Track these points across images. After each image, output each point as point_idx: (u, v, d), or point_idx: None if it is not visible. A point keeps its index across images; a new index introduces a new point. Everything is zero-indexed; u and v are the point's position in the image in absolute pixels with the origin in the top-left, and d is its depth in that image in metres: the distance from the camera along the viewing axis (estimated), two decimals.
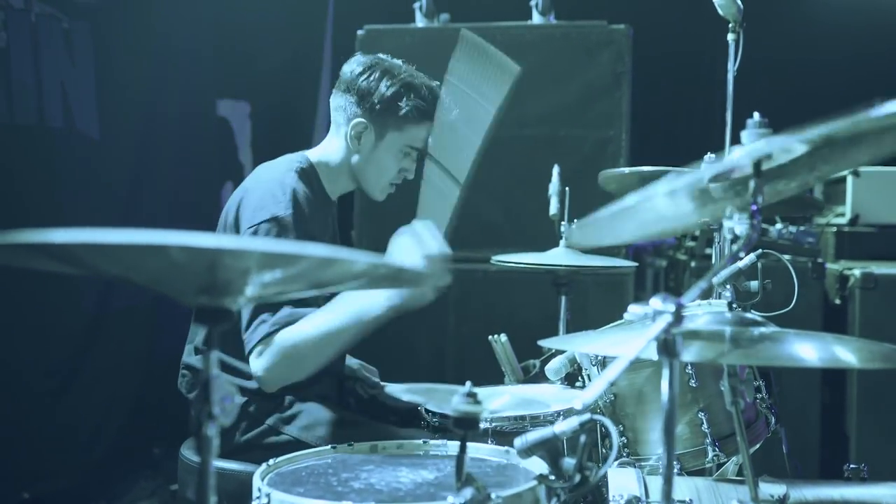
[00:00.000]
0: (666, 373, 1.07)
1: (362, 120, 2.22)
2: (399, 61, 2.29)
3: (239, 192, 2.18)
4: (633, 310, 1.09)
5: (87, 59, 3.44)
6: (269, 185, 2.13)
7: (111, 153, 3.56)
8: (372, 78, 2.22)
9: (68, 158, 3.38)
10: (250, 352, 1.95)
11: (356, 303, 1.92)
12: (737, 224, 1.14)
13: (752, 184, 1.08)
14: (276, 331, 1.93)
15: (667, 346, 1.06)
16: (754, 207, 1.07)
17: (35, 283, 3.15)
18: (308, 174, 2.23)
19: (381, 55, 2.30)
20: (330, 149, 2.30)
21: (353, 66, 2.26)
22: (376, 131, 2.23)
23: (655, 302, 1.05)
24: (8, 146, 3.14)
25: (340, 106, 2.26)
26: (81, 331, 3.45)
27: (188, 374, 2.23)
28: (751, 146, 1.08)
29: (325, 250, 0.99)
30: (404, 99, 2.21)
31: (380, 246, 2.06)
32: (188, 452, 2.19)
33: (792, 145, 1.04)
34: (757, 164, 1.09)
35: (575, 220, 2.54)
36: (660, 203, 1.22)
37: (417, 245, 1.86)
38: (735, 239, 1.15)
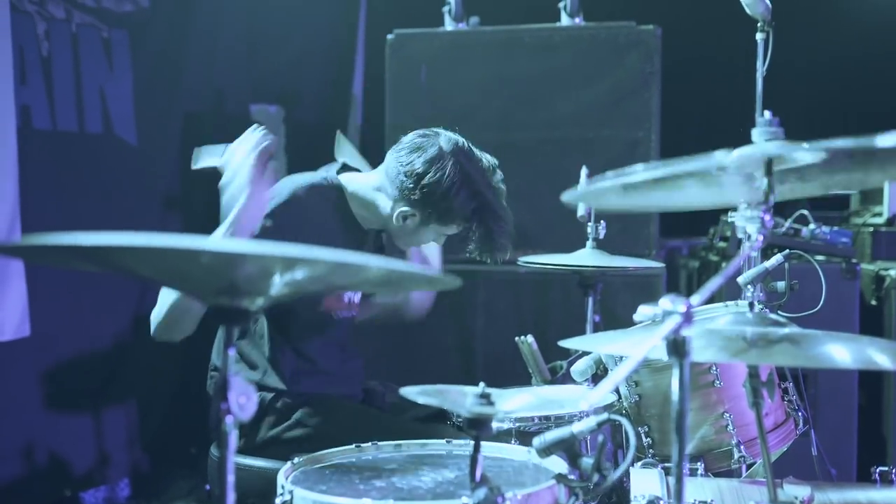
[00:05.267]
0: (676, 373, 1.08)
1: (415, 213, 2.19)
2: (477, 159, 2.20)
3: None
4: (643, 310, 1.10)
5: (125, 66, 3.52)
6: (275, 192, 2.15)
7: (148, 158, 3.63)
8: (450, 194, 2.14)
9: (107, 164, 3.45)
10: None
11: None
12: (748, 223, 1.14)
13: (763, 183, 1.08)
14: None
15: (676, 346, 1.07)
16: (765, 206, 1.07)
17: (77, 283, 3.24)
18: (329, 193, 2.22)
19: (457, 150, 2.17)
20: (371, 192, 2.25)
21: (428, 164, 2.14)
22: (422, 219, 2.20)
23: (665, 302, 1.06)
24: (50, 152, 3.23)
25: (397, 182, 2.17)
26: (121, 330, 3.53)
27: (216, 375, 2.27)
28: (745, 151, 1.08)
29: (330, 254, 1.01)
30: (471, 222, 2.20)
31: None
32: (217, 451, 2.23)
33: (794, 153, 1.04)
34: (768, 164, 1.09)
35: (602, 222, 2.56)
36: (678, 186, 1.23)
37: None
38: (747, 237, 1.15)
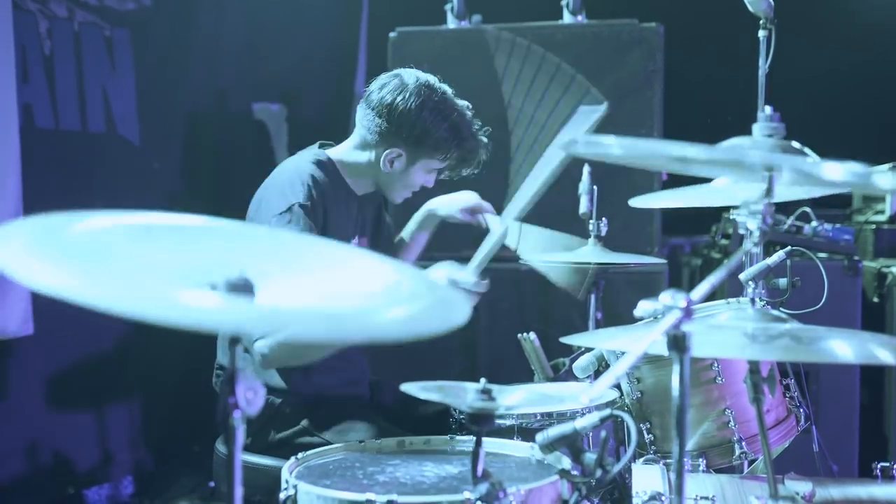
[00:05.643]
0: (676, 368, 1.09)
1: (400, 150, 2.25)
2: (439, 86, 2.28)
3: (261, 189, 2.25)
4: (644, 305, 1.10)
5: (128, 65, 3.53)
6: (288, 175, 2.21)
7: (151, 157, 3.64)
8: (422, 115, 2.21)
9: (110, 163, 3.46)
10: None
11: None
12: (749, 219, 1.15)
13: (763, 181, 1.09)
14: None
15: (676, 341, 1.07)
16: (765, 204, 1.08)
17: None
18: (327, 166, 2.28)
19: (419, 79, 2.26)
20: (354, 154, 2.33)
21: (395, 93, 2.22)
22: (409, 157, 2.27)
23: (665, 297, 1.07)
24: (53, 151, 3.24)
25: (373, 127, 2.24)
26: (124, 328, 3.54)
27: (222, 373, 2.28)
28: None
29: None
30: (451, 142, 2.26)
31: None
32: (222, 447, 2.24)
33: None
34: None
35: (604, 219, 2.56)
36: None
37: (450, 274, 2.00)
38: (749, 233, 1.16)
